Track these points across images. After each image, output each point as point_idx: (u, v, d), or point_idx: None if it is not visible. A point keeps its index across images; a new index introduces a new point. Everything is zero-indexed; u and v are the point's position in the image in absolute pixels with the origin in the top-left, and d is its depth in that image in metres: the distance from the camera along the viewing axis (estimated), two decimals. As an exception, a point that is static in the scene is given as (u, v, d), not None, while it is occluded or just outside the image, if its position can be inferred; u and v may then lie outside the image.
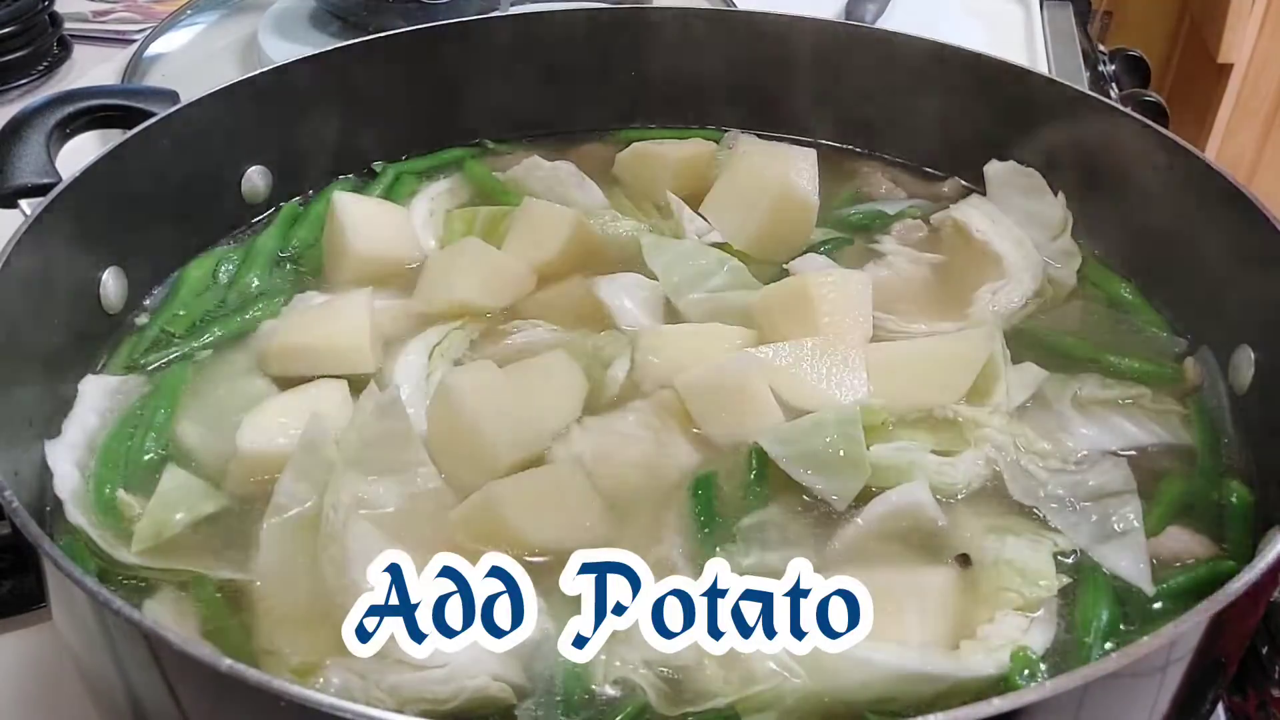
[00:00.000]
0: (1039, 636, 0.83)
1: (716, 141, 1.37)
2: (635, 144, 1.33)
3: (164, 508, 0.91)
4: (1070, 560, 0.89)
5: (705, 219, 1.24)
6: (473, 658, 0.78)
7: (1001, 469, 0.95)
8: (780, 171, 1.21)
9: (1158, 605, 0.86)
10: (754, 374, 0.98)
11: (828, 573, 0.86)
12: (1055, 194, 1.23)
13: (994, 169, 1.29)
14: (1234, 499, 0.94)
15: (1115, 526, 0.90)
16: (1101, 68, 2.03)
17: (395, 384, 1.01)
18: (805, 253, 1.21)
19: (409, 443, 0.92)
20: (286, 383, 1.03)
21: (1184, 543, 0.91)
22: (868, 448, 0.93)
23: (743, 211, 1.21)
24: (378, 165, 1.34)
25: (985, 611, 0.84)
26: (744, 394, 0.98)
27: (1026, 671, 0.79)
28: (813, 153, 1.24)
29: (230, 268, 1.19)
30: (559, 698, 0.79)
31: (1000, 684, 0.78)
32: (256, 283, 1.17)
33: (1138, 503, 0.92)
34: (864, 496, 0.92)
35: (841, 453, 0.92)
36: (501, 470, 0.94)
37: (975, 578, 0.87)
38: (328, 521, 0.87)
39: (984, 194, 1.28)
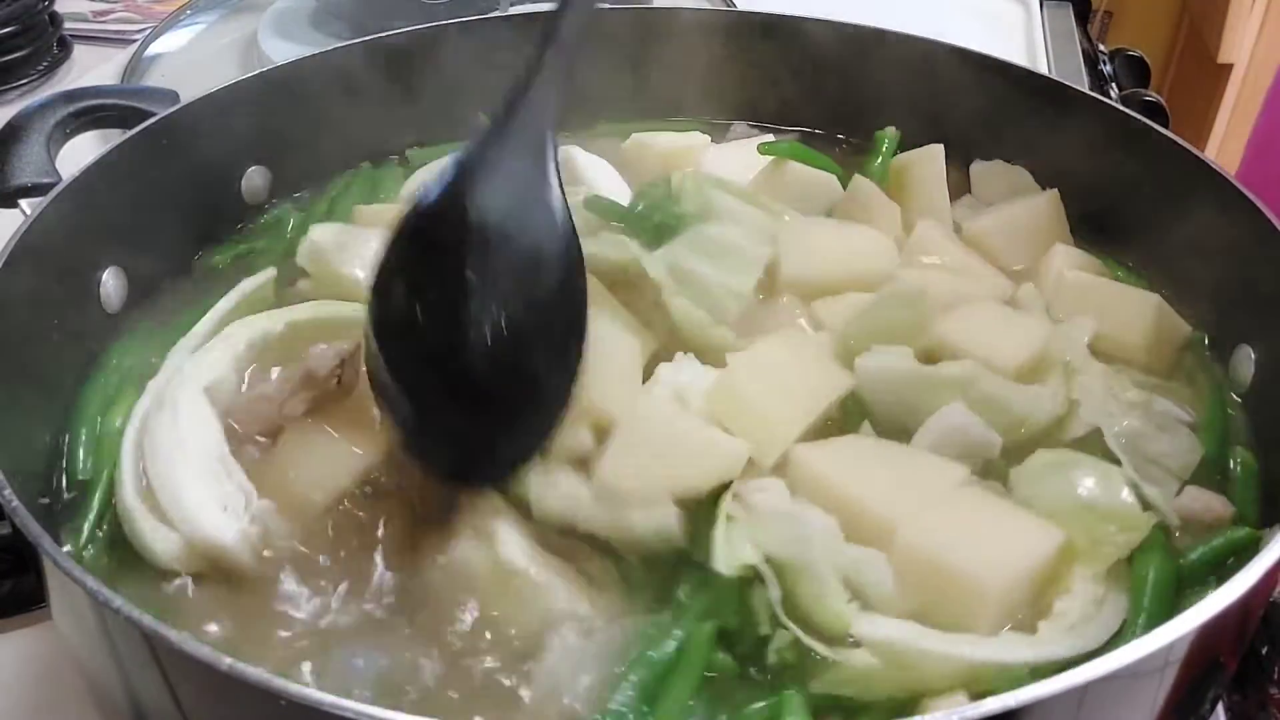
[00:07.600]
0: (1113, 607, 0.80)
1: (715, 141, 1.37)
2: (634, 135, 1.34)
3: None
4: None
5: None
6: None
7: (1080, 399, 0.95)
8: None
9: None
10: (919, 306, 0.98)
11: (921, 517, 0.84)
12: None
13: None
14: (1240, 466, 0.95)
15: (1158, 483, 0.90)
16: (1101, 68, 2.03)
17: None
18: None
19: None
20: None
21: (1203, 501, 0.91)
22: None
23: None
24: (378, 163, 1.35)
25: (1065, 579, 0.82)
26: (907, 327, 0.98)
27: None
28: None
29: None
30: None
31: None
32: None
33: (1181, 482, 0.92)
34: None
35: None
36: None
37: (1065, 537, 0.83)
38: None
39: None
